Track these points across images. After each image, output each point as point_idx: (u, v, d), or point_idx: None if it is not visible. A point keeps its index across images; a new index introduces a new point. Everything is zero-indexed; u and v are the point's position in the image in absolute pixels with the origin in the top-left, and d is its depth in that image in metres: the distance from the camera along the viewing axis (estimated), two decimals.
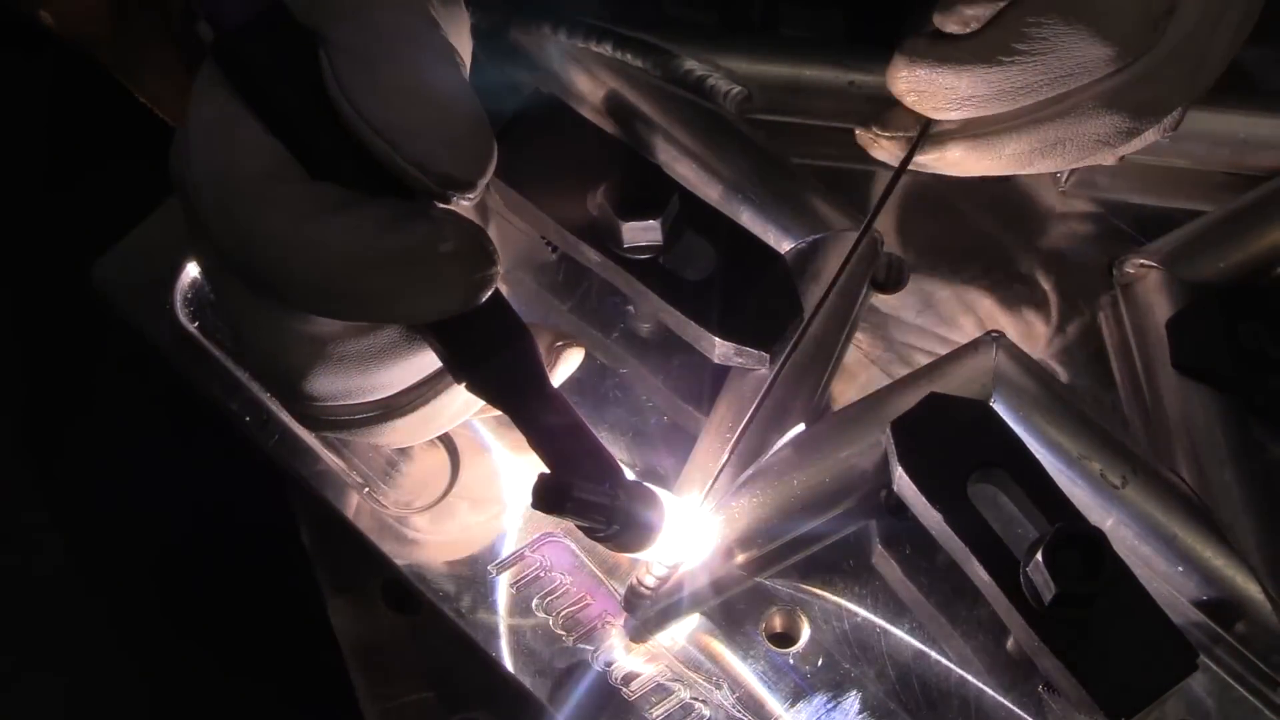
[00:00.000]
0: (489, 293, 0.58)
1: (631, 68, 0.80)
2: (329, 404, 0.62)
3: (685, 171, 0.78)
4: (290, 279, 0.56)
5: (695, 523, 0.67)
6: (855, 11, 0.86)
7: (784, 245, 0.76)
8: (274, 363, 0.61)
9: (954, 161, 0.70)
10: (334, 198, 0.56)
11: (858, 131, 0.72)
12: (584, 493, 0.59)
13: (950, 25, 0.65)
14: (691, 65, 0.80)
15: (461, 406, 0.65)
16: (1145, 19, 0.65)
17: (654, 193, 0.70)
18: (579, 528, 0.61)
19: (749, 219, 0.76)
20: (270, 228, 0.56)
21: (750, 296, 0.71)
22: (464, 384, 0.61)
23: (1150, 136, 0.67)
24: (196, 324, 0.77)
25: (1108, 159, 0.69)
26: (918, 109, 0.68)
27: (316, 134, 0.57)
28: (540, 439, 0.61)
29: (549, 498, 0.59)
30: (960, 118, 0.68)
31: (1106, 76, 0.65)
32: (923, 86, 0.66)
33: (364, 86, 0.56)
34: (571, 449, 0.60)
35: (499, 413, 0.61)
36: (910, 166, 0.71)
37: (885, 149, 0.72)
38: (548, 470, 0.60)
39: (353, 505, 0.73)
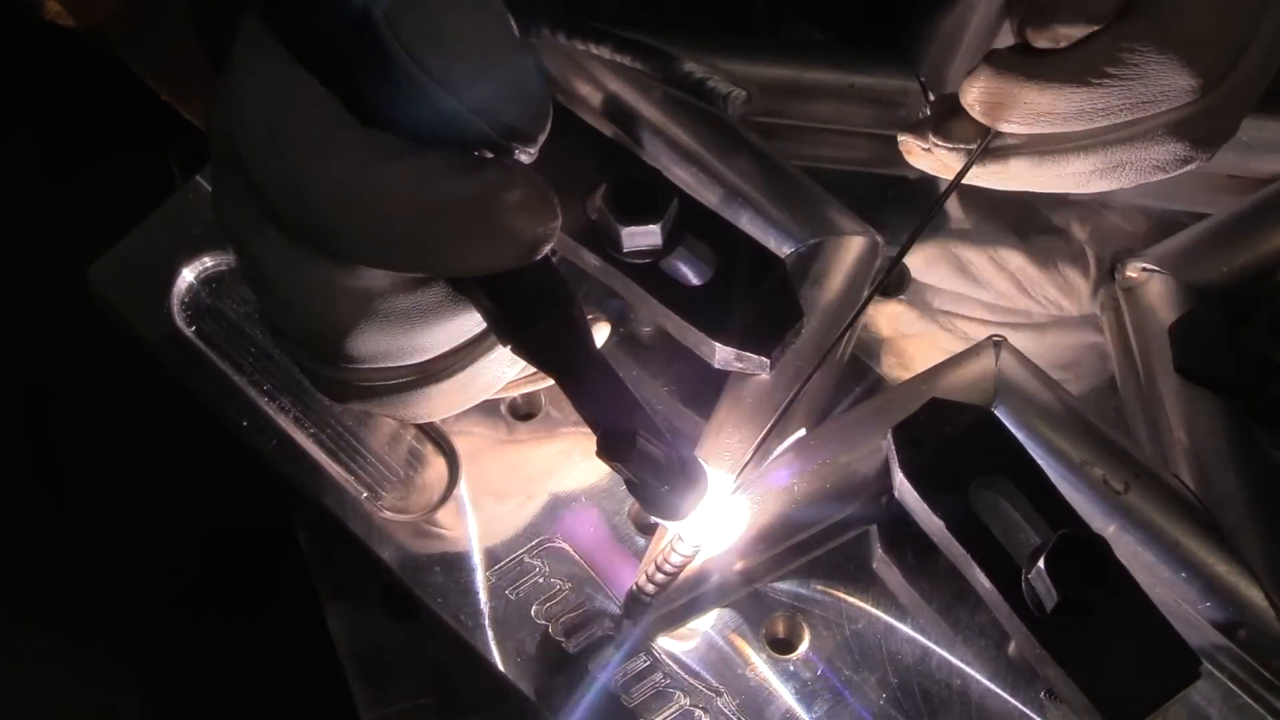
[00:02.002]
0: (549, 247, 0.58)
1: (630, 70, 0.79)
2: (367, 366, 0.61)
3: (685, 175, 0.77)
4: (352, 226, 0.56)
5: (727, 504, 0.67)
6: (855, 13, 0.86)
7: (784, 249, 0.76)
8: (316, 321, 0.60)
9: (1013, 176, 0.70)
10: (396, 145, 0.56)
11: (902, 138, 0.72)
12: (647, 444, 0.59)
13: (1041, 40, 0.65)
14: (691, 67, 0.79)
15: (491, 378, 0.65)
16: (1230, 54, 0.65)
17: (653, 196, 0.70)
18: (628, 483, 0.61)
19: (749, 223, 0.76)
20: (332, 174, 0.55)
21: (750, 301, 0.70)
22: (510, 345, 0.60)
23: (1194, 166, 0.68)
24: (194, 328, 0.76)
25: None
26: (986, 120, 0.67)
27: (371, 84, 0.57)
28: (587, 402, 0.60)
29: (614, 445, 0.59)
30: (1031, 132, 0.68)
31: (1179, 106, 0.66)
32: (1002, 98, 0.66)
33: (423, 37, 0.56)
34: (618, 413, 0.60)
35: (520, 390, 0.60)
36: (964, 180, 0.71)
37: (939, 159, 0.71)
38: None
39: (351, 511, 0.73)
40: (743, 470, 0.68)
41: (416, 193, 0.55)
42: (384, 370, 0.62)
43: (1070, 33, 0.65)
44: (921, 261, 0.79)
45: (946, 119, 0.70)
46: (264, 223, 0.58)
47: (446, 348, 0.62)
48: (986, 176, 0.70)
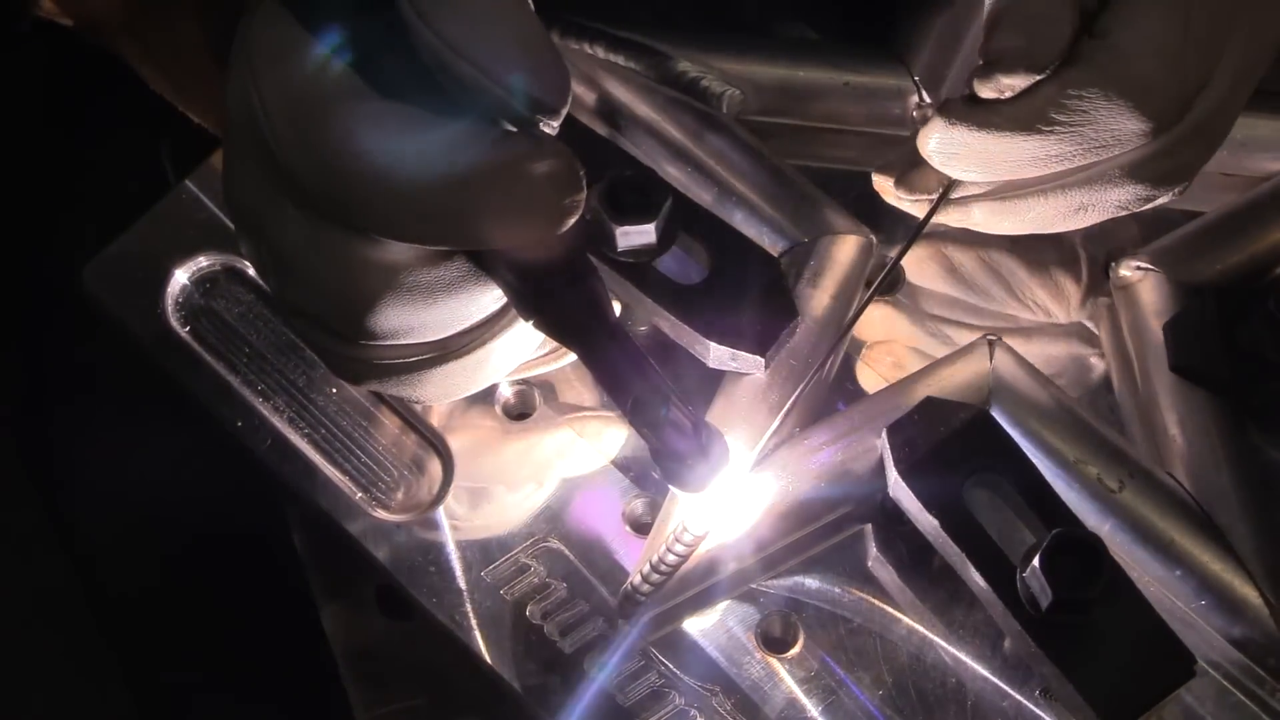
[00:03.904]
0: (575, 219, 0.58)
1: (624, 69, 0.79)
2: (388, 343, 0.61)
3: (679, 174, 0.78)
4: (379, 198, 0.55)
5: (738, 489, 0.67)
6: (849, 11, 0.86)
7: (779, 248, 0.76)
8: (337, 296, 0.60)
9: (977, 222, 0.70)
10: (421, 116, 0.56)
11: (876, 180, 0.72)
12: (677, 411, 0.59)
13: (986, 91, 0.65)
14: (685, 66, 0.79)
15: (509, 356, 0.65)
16: (1182, 97, 0.65)
17: (648, 195, 0.70)
18: (654, 452, 0.61)
19: (743, 221, 0.76)
20: (358, 145, 0.55)
21: (745, 300, 0.70)
22: (532, 320, 0.60)
23: (1161, 201, 0.68)
24: (188, 328, 0.76)
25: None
26: (946, 170, 0.68)
27: (390, 58, 0.56)
28: (611, 374, 0.60)
29: (643, 411, 0.59)
30: (988, 180, 0.68)
31: (1133, 149, 0.66)
32: (957, 149, 0.66)
33: (443, 11, 0.55)
34: (642, 388, 0.60)
35: (534, 371, 0.60)
36: (930, 224, 0.71)
37: (906, 207, 0.72)
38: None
39: (346, 511, 0.73)
40: (758, 453, 0.68)
41: (445, 163, 0.55)
42: (403, 347, 0.61)
43: (1014, 83, 0.65)
44: (912, 262, 0.79)
45: (910, 169, 0.71)
46: (283, 199, 0.58)
47: (467, 324, 0.62)
48: (951, 222, 0.71)
